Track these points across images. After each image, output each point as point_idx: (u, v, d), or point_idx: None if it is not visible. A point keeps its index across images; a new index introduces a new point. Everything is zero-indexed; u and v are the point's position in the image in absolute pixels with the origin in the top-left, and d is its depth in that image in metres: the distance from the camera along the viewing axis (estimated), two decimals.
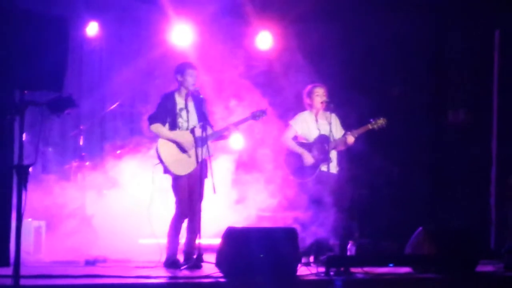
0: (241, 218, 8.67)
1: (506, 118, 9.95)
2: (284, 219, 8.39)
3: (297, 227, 7.71)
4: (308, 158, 8.06)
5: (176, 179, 7.39)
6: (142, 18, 10.02)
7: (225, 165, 8.99)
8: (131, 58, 10.08)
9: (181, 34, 10.03)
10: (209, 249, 7.08)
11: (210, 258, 6.74)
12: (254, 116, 7.75)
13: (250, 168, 9.25)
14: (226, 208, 8.82)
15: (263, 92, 9.45)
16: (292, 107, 8.95)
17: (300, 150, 8.12)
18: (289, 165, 8.21)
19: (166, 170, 7.37)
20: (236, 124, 7.70)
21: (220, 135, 7.62)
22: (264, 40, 10.56)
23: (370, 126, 8.19)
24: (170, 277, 6.59)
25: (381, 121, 8.20)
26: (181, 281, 6.43)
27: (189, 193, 7.40)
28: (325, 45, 9.86)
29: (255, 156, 9.38)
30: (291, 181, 8.22)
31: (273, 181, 8.78)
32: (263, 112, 7.76)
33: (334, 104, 8.08)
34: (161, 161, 7.35)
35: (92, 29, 9.97)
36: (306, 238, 7.77)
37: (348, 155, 8.44)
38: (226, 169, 9.00)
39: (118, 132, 10.13)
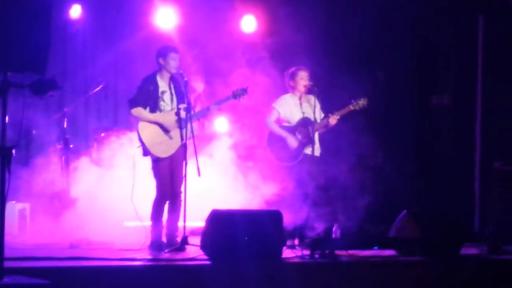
0: (242, 202, 8.60)
1: (490, 103, 9.99)
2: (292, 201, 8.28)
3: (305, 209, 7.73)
4: (293, 142, 8.06)
5: (157, 161, 7.37)
6: (125, 0, 9.93)
7: (223, 148, 8.97)
8: (115, 40, 10.01)
9: (165, 17, 9.97)
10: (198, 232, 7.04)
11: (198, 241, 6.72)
12: (235, 95, 7.69)
13: (246, 151, 9.22)
14: (230, 192, 8.75)
15: (247, 75, 9.40)
16: (276, 90, 8.91)
17: (284, 133, 8.12)
18: (273, 149, 8.20)
19: (146, 152, 7.34)
20: (217, 103, 7.68)
21: (203, 115, 7.64)
22: (249, 23, 10.51)
23: (351, 107, 8.18)
24: (155, 260, 6.59)
25: (362, 102, 8.19)
26: (165, 263, 6.45)
27: (170, 176, 7.39)
28: (309, 29, 9.81)
29: (249, 139, 9.33)
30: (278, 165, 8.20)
31: (268, 165, 8.73)
32: (244, 91, 7.69)
33: (318, 88, 8.07)
34: (142, 143, 7.32)
35: (75, 11, 9.89)
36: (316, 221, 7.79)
37: (333, 138, 8.44)
38: (223, 152, 8.96)
39: (102, 115, 10.09)
